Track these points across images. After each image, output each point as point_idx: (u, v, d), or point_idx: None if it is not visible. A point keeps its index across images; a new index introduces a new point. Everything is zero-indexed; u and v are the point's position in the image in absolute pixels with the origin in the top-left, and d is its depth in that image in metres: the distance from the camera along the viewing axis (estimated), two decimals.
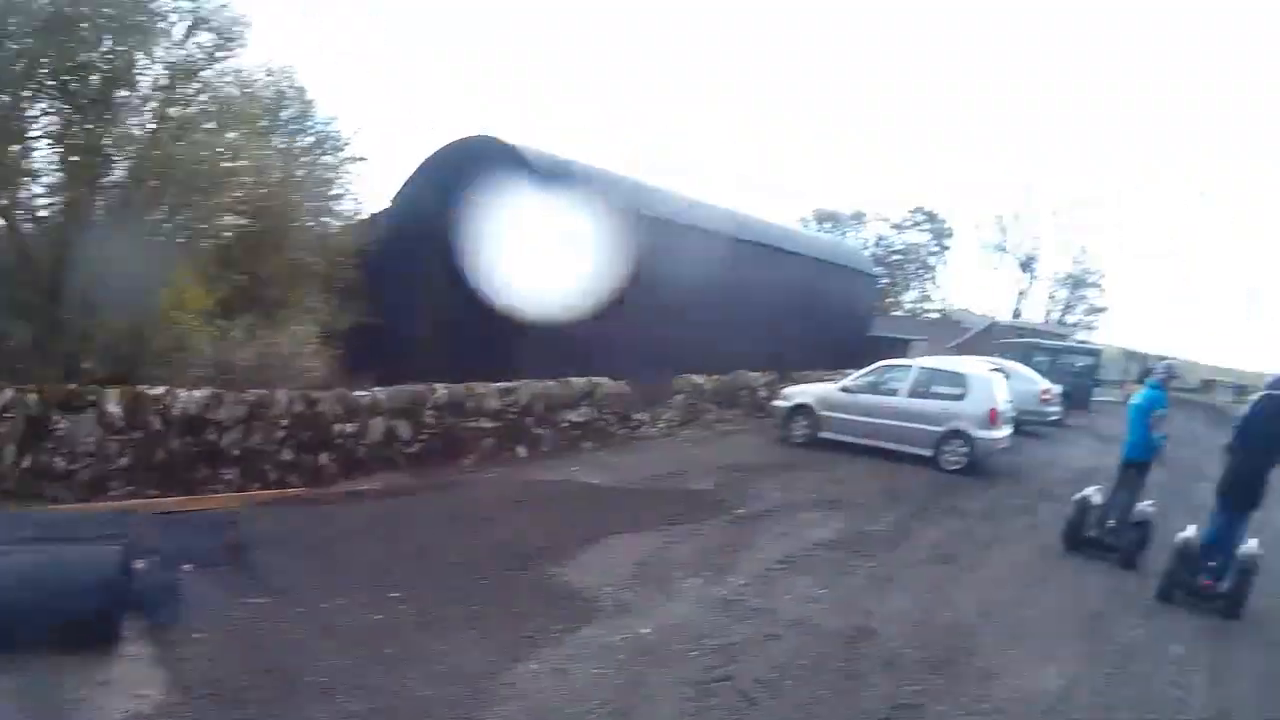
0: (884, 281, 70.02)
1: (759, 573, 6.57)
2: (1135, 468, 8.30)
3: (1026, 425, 16.10)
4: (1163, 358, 34.97)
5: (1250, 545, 7.15)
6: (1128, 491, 8.28)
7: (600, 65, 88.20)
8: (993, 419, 11.44)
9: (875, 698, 4.72)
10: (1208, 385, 38.33)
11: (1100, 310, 65.93)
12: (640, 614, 5.61)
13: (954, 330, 55.42)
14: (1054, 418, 17.05)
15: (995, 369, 13.26)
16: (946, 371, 12.24)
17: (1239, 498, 7.23)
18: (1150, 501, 8.51)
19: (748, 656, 5.05)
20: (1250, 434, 7.22)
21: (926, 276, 71.77)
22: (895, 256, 71.41)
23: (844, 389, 12.50)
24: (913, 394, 11.97)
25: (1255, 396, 7.58)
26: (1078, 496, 8.64)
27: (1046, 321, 62.13)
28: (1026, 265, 67.79)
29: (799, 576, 6.55)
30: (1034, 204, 66.29)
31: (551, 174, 13.30)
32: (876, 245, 70.92)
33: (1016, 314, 64.66)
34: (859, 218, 71.52)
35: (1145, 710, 5.12)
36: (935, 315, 65.66)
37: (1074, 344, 26.65)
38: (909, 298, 71.96)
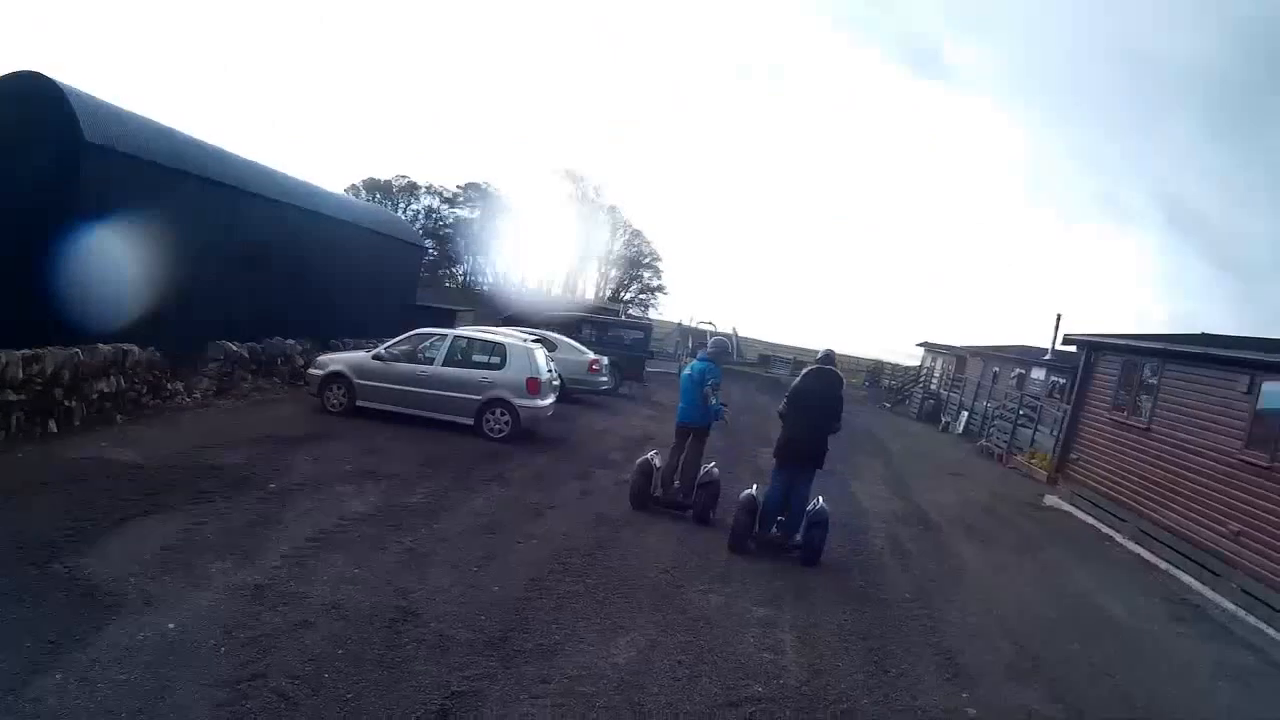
0: (434, 253, 70.71)
1: (290, 553, 6.10)
2: (692, 431, 9.01)
3: (579, 394, 17.80)
4: (724, 334, 40.96)
5: (819, 502, 8.20)
6: (692, 454, 8.96)
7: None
8: (533, 388, 12.11)
9: (426, 686, 4.48)
10: (765, 360, 45.19)
11: (658, 289, 75.00)
12: (166, 607, 4.93)
13: (505, 304, 58.11)
14: (605, 387, 18.72)
15: (537, 340, 14.16)
16: (484, 341, 12.61)
17: (795, 458, 8.03)
18: (714, 464, 9.47)
19: (281, 649, 4.64)
20: (801, 403, 8.01)
21: (480, 251, 73.74)
22: (447, 230, 71.99)
23: (376, 357, 12.22)
24: (450, 362, 12.13)
25: (806, 369, 8.42)
26: (641, 459, 9.27)
27: (601, 297, 68.65)
28: (578, 245, 74.14)
29: (333, 555, 6.22)
30: (590, 186, 71.39)
31: (94, 119, 10.79)
32: (428, 218, 70.76)
33: (572, 291, 70.38)
34: (411, 190, 70.61)
35: (738, 677, 5.28)
36: (487, 288, 68.03)
37: (624, 319, 29.40)
38: (462, 270, 73.22)
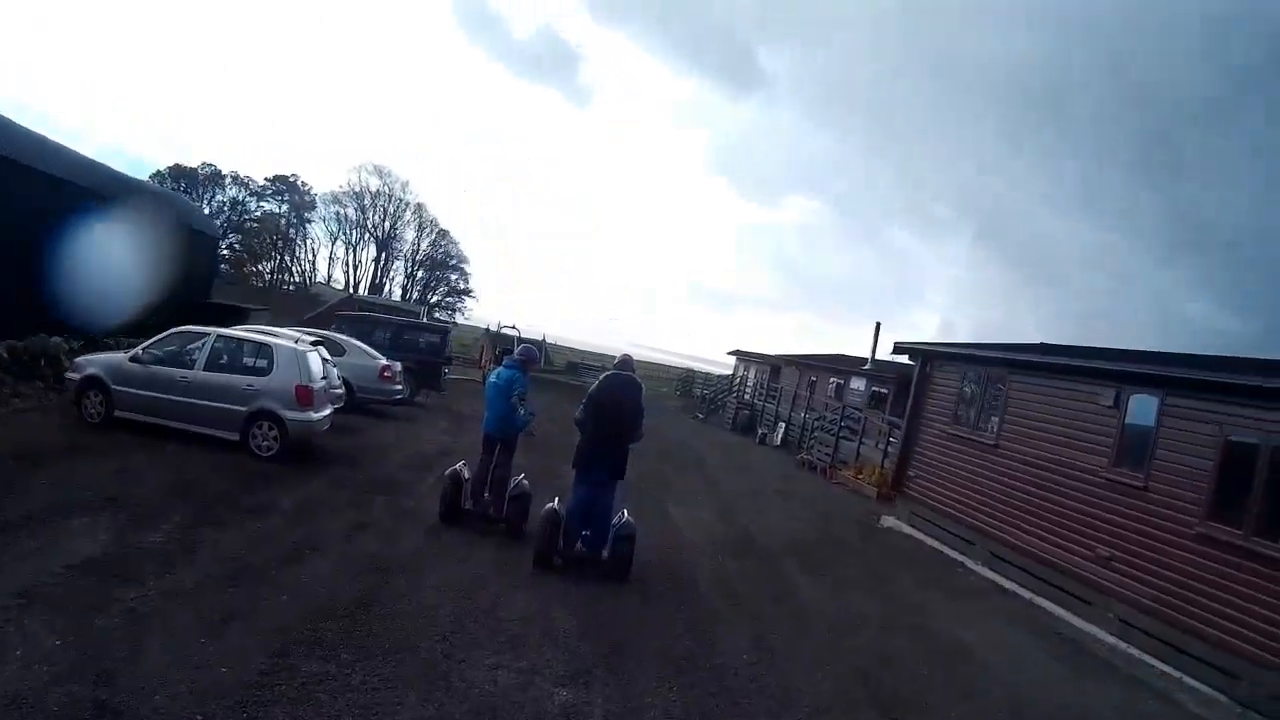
0: (238, 249, 64.60)
1: None
2: (500, 441, 8.48)
3: (369, 404, 15.22)
4: (531, 341, 38.93)
5: (624, 516, 7.74)
6: (501, 465, 8.48)
7: None
8: (304, 397, 9.90)
9: None
10: (574, 367, 44.32)
11: (465, 292, 71.91)
12: None
13: (313, 303, 53.64)
14: (399, 396, 16.33)
15: (317, 341, 11.78)
16: (250, 342, 10.31)
17: (595, 469, 7.54)
18: (523, 475, 8.79)
19: None
20: (599, 411, 7.56)
21: (285, 247, 68.44)
22: (252, 224, 66.53)
23: (134, 359, 9.98)
24: (212, 366, 9.98)
25: (604, 375, 8.03)
26: (450, 469, 8.57)
27: (407, 299, 64.95)
28: (385, 244, 69.90)
29: (36, 621, 4.62)
30: (395, 185, 67.37)
31: None
32: (232, 210, 64.91)
33: (379, 291, 66.03)
34: (217, 179, 64.49)
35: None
36: (292, 287, 62.82)
37: (422, 321, 26.39)
38: (267, 268, 67.80)
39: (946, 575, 11.21)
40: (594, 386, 7.88)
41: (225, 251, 63.50)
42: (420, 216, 68.59)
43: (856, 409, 24.08)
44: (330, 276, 66.90)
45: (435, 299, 70.00)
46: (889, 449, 19.67)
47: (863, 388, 28.79)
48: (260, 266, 67.52)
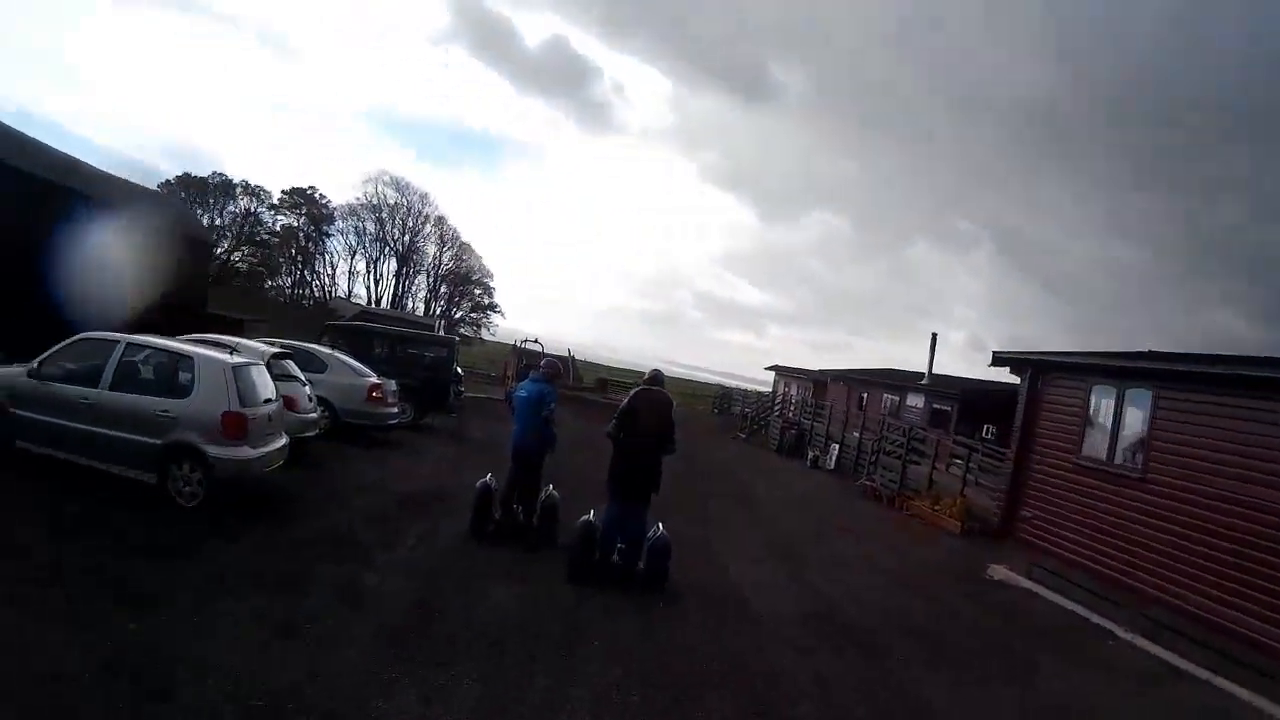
0: (255, 262, 63.21)
1: None
2: (528, 456, 8.30)
3: (368, 430, 12.78)
4: (556, 355, 36.95)
5: (658, 530, 7.61)
6: (531, 478, 8.37)
7: None
8: (233, 428, 7.30)
9: None
10: (603, 384, 42.14)
11: (491, 307, 69.86)
12: None
13: (331, 317, 51.75)
14: (392, 421, 13.67)
15: (282, 354, 9.47)
16: (168, 352, 7.73)
17: (627, 485, 7.46)
18: (551, 485, 8.61)
19: None
20: (631, 425, 7.46)
21: (304, 263, 66.92)
22: (270, 237, 65.10)
23: (33, 373, 7.57)
24: (119, 385, 7.44)
25: (635, 390, 7.88)
26: (480, 483, 8.39)
27: (430, 315, 63.06)
28: (405, 258, 68.11)
29: None
30: (413, 198, 65.62)
31: None
32: (245, 221, 63.41)
33: (397, 305, 64.18)
34: (227, 188, 63.02)
35: None
36: (310, 302, 61.16)
37: (426, 333, 23.01)
38: (287, 282, 66.34)
39: (1097, 651, 8.41)
40: (625, 401, 7.78)
41: (242, 264, 62.41)
42: (441, 230, 66.65)
43: (923, 429, 21.21)
44: (350, 291, 65.12)
45: (459, 314, 67.99)
46: (968, 475, 16.87)
47: (920, 404, 25.88)
48: (278, 281, 66.08)
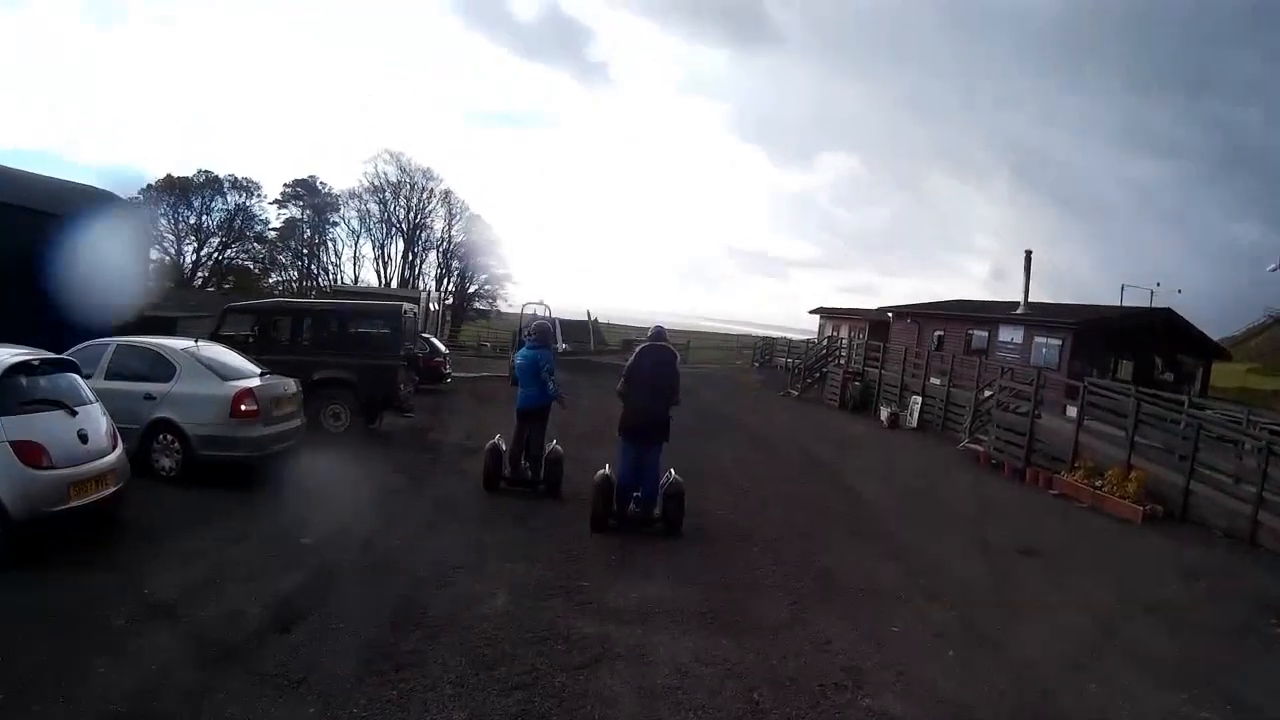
0: (257, 256, 59.88)
1: None
2: (532, 414, 8.65)
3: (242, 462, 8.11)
4: (545, 319, 32.93)
5: (671, 474, 7.87)
6: (536, 434, 8.71)
7: None
8: None
9: None
10: (630, 345, 38.43)
11: (505, 278, 65.59)
12: None
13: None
14: (277, 447, 8.39)
15: (22, 363, 5.29)
16: None
17: (638, 432, 7.64)
18: (555, 441, 8.90)
19: None
20: (637, 379, 7.68)
21: (309, 255, 63.31)
22: (270, 232, 61.58)
23: None
24: None
25: (639, 347, 8.03)
26: (490, 443, 8.74)
27: (442, 290, 59.13)
28: (412, 236, 64.04)
29: None
30: (415, 173, 61.32)
31: None
32: (236, 217, 59.70)
33: (407, 285, 60.30)
34: (214, 185, 59.30)
35: None
36: (314, 292, 57.61)
37: (364, 303, 14.96)
38: (294, 276, 62.91)
39: None
40: (630, 359, 7.98)
41: (249, 262, 59.29)
42: (449, 203, 62.22)
43: (1052, 369, 16.37)
44: (358, 277, 61.33)
45: (473, 289, 63.83)
46: (1135, 437, 12.09)
47: (1018, 338, 20.99)
48: (285, 275, 62.64)
